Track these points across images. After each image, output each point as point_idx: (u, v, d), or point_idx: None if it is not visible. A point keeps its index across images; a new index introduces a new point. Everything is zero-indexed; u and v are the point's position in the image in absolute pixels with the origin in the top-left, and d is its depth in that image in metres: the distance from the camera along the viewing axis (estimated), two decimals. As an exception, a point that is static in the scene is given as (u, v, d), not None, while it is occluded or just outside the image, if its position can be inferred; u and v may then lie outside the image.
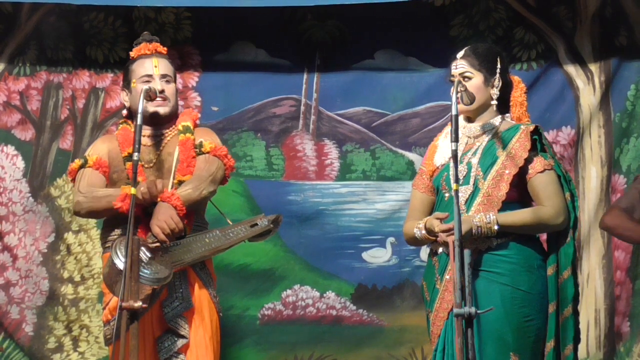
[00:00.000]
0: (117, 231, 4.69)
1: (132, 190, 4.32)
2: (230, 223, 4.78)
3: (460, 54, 4.64)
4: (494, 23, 5.89)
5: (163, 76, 4.76)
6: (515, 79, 4.78)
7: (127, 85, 4.81)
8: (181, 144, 4.74)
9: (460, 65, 4.61)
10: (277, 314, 5.86)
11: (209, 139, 4.78)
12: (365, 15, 5.86)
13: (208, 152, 4.74)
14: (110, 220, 4.76)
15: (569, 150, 5.82)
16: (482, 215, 4.46)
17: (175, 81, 4.84)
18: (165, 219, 4.54)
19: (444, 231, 4.43)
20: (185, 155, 4.72)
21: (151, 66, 4.76)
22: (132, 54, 4.85)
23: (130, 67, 4.82)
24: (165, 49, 4.87)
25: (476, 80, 4.59)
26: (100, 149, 4.84)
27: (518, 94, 4.76)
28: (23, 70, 5.94)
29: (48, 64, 5.93)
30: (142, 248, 4.48)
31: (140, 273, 4.41)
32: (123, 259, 4.37)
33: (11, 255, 5.84)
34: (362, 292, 5.85)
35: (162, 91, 4.71)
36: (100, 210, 4.72)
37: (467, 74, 4.59)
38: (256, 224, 4.73)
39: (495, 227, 4.45)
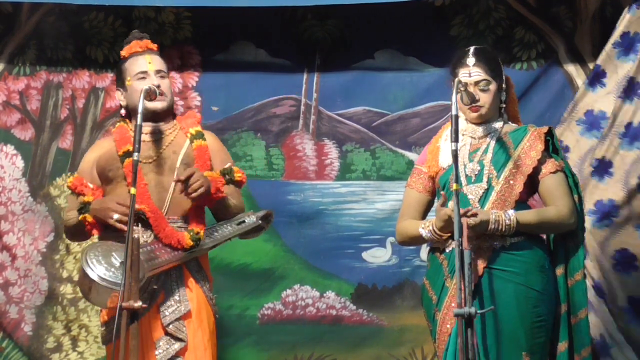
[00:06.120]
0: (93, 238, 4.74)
1: (132, 190, 4.31)
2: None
3: (472, 60, 4.58)
4: (494, 23, 5.89)
5: (157, 72, 4.76)
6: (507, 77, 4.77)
7: (121, 84, 4.80)
8: (199, 151, 4.72)
9: (475, 72, 4.57)
10: (277, 314, 5.85)
11: (234, 166, 4.80)
12: (365, 15, 5.86)
13: (236, 183, 4.77)
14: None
15: (570, 150, 5.82)
16: (500, 213, 4.46)
17: (168, 76, 4.83)
18: (201, 179, 4.54)
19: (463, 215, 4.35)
20: (202, 163, 4.70)
21: (145, 63, 4.75)
22: (124, 52, 4.82)
23: (123, 66, 4.80)
24: (155, 45, 4.85)
25: (493, 87, 4.59)
26: (87, 161, 4.84)
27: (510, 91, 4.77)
28: (23, 70, 5.94)
29: (48, 63, 5.93)
30: (113, 253, 4.42)
31: (104, 276, 4.34)
32: (94, 267, 4.34)
33: (10, 254, 5.84)
34: (362, 292, 5.84)
35: (158, 86, 4.70)
36: (73, 230, 4.79)
37: (484, 81, 4.57)
38: (243, 221, 4.67)
39: (515, 226, 4.45)
